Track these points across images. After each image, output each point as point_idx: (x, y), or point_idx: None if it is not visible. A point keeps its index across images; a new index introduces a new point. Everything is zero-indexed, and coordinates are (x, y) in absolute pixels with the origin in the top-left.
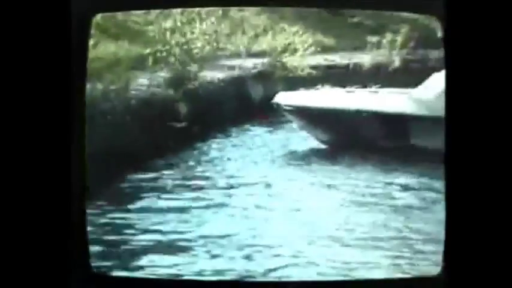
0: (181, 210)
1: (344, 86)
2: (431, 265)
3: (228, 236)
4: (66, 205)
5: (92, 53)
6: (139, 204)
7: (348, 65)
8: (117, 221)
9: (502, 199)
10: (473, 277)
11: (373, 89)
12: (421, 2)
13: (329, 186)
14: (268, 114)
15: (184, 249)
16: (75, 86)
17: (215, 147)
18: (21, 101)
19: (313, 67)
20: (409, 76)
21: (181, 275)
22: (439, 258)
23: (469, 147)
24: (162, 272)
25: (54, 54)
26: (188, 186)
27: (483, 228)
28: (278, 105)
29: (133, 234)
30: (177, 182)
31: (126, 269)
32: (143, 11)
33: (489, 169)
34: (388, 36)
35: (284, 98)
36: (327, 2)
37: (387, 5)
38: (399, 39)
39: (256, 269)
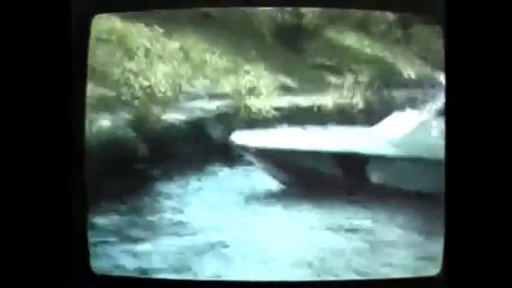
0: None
1: (306, 127)
2: None
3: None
4: (66, 205)
5: None
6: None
7: (311, 106)
8: None
9: (501, 200)
10: (473, 277)
11: (332, 128)
12: (421, 2)
13: (291, 226)
14: (229, 156)
15: None
16: (75, 85)
17: (175, 189)
18: (22, 100)
19: (277, 109)
20: (372, 116)
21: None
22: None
23: (468, 147)
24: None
25: (54, 54)
26: (147, 227)
27: (483, 229)
28: (238, 146)
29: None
30: (137, 223)
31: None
32: (106, 51)
33: (487, 170)
34: (351, 77)
35: (244, 140)
36: (328, 2)
37: (387, 5)
38: (362, 79)
39: None
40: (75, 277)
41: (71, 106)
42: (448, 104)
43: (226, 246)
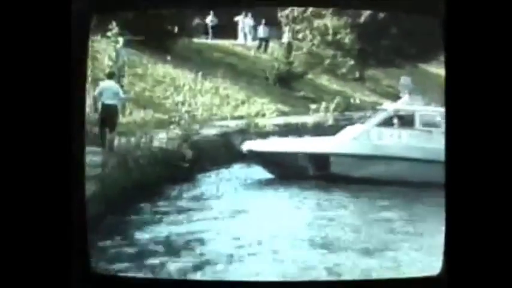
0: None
1: (292, 137)
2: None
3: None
4: (66, 206)
5: (128, 118)
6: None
7: (297, 123)
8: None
9: (501, 200)
10: (473, 277)
11: (308, 138)
12: (421, 2)
13: (280, 203)
14: (242, 156)
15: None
16: (75, 84)
17: (208, 180)
18: (21, 100)
19: (275, 125)
20: (336, 129)
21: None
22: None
23: (467, 148)
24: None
25: (55, 53)
26: (188, 204)
27: (483, 229)
28: (247, 151)
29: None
30: (181, 204)
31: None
32: (162, 88)
33: (488, 171)
34: (324, 103)
35: (251, 146)
36: (332, 2)
37: (388, 5)
38: (331, 106)
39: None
40: (75, 277)
41: (71, 106)
42: (448, 103)
43: (243, 211)
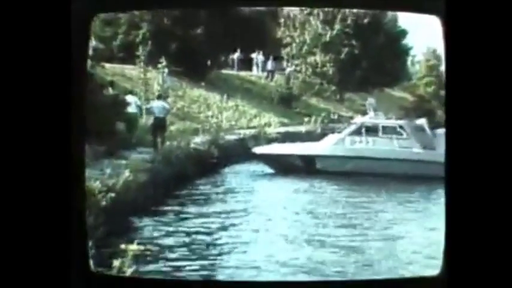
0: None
1: (288, 143)
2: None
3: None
4: (66, 205)
5: (172, 127)
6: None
7: (294, 132)
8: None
9: (502, 199)
10: (473, 277)
11: (300, 143)
12: (421, 2)
13: (279, 190)
14: (253, 156)
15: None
16: (75, 85)
17: (229, 172)
18: (20, 101)
19: (278, 133)
20: (323, 137)
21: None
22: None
23: (468, 148)
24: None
25: (54, 54)
26: (214, 188)
27: (483, 229)
28: (255, 152)
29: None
30: (211, 188)
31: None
32: (197, 106)
33: (488, 170)
34: (314, 117)
35: (258, 149)
36: (331, 2)
37: (388, 5)
38: (319, 119)
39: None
40: (75, 277)
41: (71, 106)
42: (448, 101)
43: (251, 195)
